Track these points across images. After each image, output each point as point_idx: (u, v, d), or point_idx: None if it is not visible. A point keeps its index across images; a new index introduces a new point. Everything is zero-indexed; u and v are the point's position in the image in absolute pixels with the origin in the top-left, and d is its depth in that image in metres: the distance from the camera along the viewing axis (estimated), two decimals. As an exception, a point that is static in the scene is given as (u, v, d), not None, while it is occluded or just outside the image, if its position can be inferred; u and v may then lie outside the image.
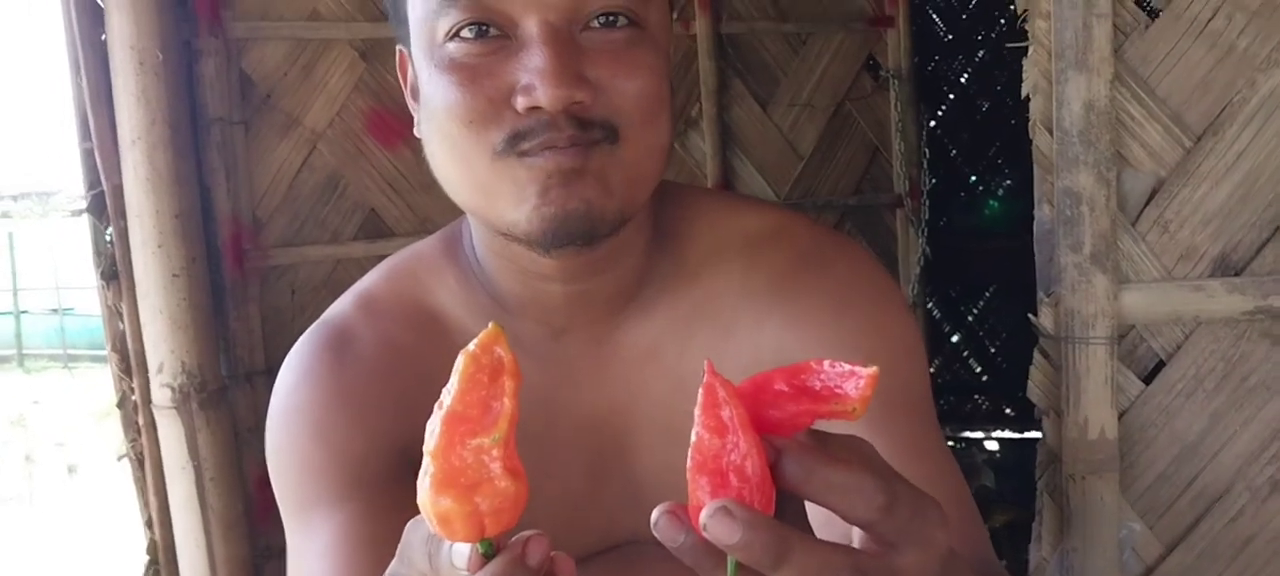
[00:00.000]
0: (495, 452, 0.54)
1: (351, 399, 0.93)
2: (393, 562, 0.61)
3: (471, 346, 0.54)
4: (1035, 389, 1.21)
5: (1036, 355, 1.21)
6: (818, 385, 0.53)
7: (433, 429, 0.54)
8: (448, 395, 0.54)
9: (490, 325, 0.55)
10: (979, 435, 3.60)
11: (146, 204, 1.54)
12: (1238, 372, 1.18)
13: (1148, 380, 1.20)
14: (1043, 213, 1.19)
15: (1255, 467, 1.19)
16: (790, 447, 0.52)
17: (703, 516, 0.50)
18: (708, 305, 0.96)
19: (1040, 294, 1.21)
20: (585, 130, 0.78)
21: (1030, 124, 1.19)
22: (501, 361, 0.55)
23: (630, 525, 1.00)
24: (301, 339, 0.97)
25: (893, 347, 0.97)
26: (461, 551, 0.55)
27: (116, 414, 1.66)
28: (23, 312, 9.08)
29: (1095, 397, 1.18)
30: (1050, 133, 1.18)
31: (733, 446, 0.51)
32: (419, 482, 0.54)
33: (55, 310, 8.95)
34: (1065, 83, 1.16)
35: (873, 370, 0.52)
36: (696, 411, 0.52)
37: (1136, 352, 1.20)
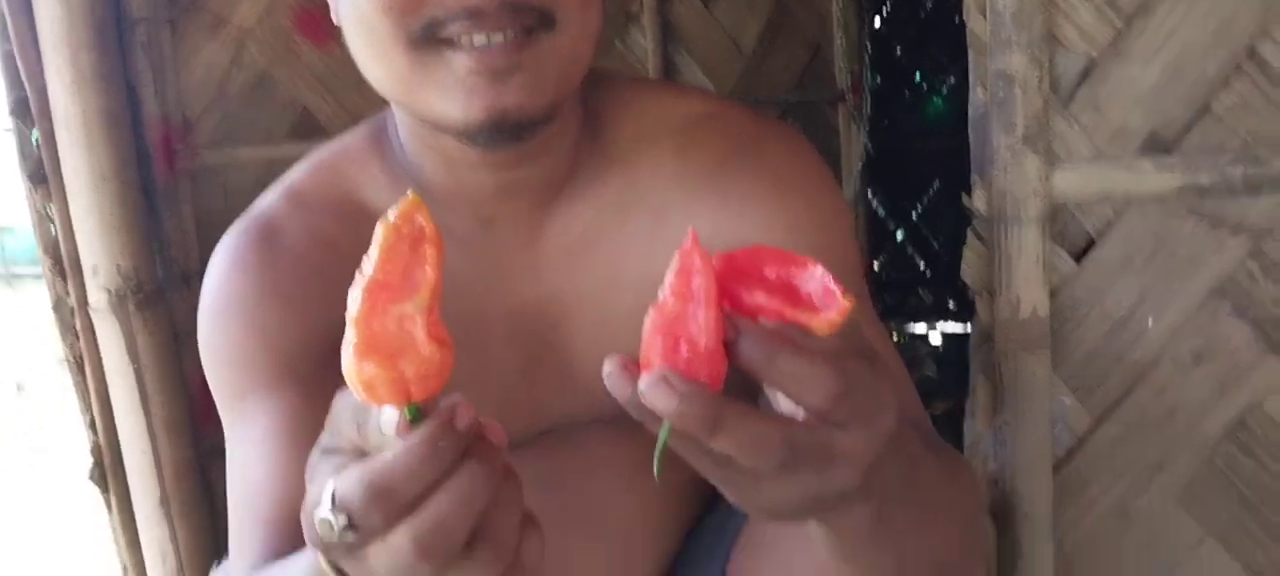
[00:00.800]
0: (418, 319, 0.54)
1: (281, 290, 0.93)
2: (322, 435, 0.61)
3: (391, 215, 0.54)
4: (969, 270, 1.23)
5: (970, 236, 1.23)
6: (804, 291, 0.54)
7: (354, 297, 0.54)
8: (368, 264, 0.54)
9: (409, 194, 0.55)
10: (922, 328, 3.65)
11: (73, 106, 1.50)
12: (1165, 249, 1.20)
13: (1079, 258, 1.22)
14: (976, 96, 1.20)
15: (1180, 340, 1.22)
16: (751, 331, 0.53)
17: (641, 385, 0.51)
18: (640, 192, 0.96)
19: (974, 176, 1.22)
20: (518, 14, 0.77)
21: (964, 6, 1.19)
22: (422, 230, 0.55)
23: (564, 409, 1.01)
24: (228, 233, 0.97)
25: (829, 230, 0.98)
26: (389, 417, 0.55)
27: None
28: (-42, 232, 8.88)
29: (1027, 276, 1.19)
30: (984, 15, 1.18)
31: (692, 316, 0.52)
32: (343, 351, 0.54)
33: (-5, 228, 8.76)
34: (999, -38, 1.16)
35: (847, 305, 0.53)
36: (669, 274, 0.53)
37: (1068, 232, 1.21)
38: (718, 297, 0.53)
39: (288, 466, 0.89)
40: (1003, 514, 1.26)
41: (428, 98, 0.80)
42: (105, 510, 1.67)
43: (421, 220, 0.55)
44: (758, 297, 0.54)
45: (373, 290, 0.54)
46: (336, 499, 0.54)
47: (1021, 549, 1.26)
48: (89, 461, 1.64)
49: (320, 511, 0.55)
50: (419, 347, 0.53)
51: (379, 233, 0.54)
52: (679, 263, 0.53)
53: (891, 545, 0.69)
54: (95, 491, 1.66)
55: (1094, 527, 1.28)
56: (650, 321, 0.54)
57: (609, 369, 0.53)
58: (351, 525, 0.54)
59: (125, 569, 1.68)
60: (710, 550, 1.13)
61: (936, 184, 3.76)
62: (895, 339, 3.53)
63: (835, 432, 0.54)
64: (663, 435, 0.53)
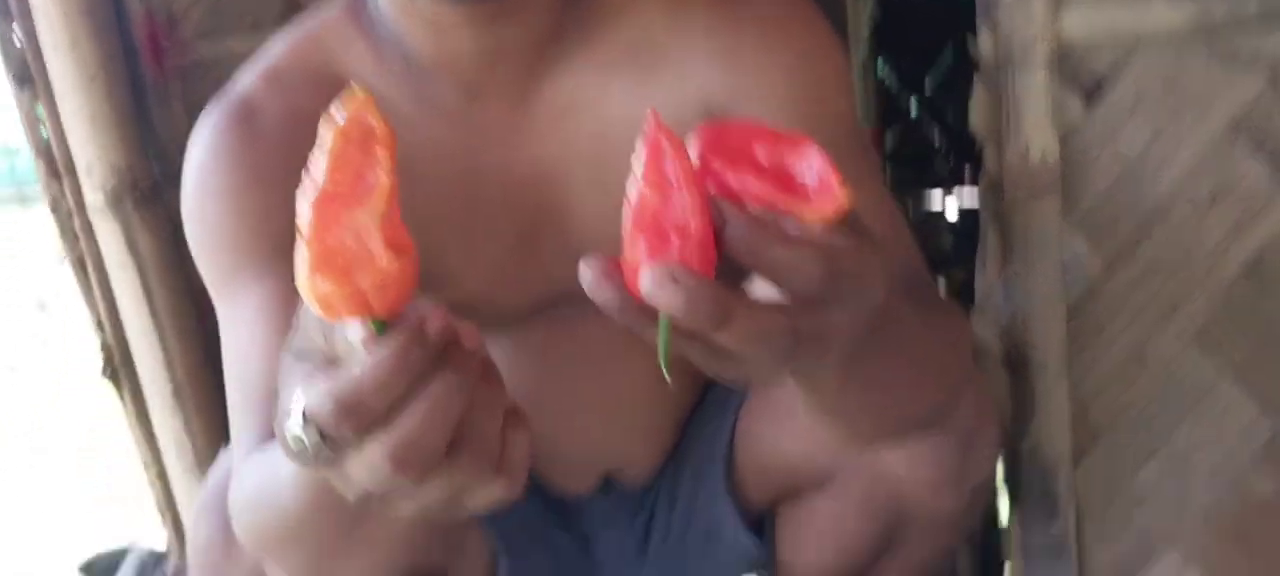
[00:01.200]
0: (373, 229, 0.50)
1: (262, 171, 0.92)
2: (292, 336, 0.59)
3: (337, 117, 0.50)
4: (975, 117, 1.20)
5: (976, 83, 1.19)
6: (798, 176, 0.51)
7: (303, 210, 0.50)
8: (316, 171, 0.50)
9: (355, 90, 0.51)
10: (937, 201, 3.61)
11: (52, 2, 1.47)
12: (1178, 88, 1.16)
13: (1089, 101, 1.18)
14: (979, -69, 1.15)
15: (1195, 181, 1.18)
16: (737, 218, 0.50)
17: (644, 280, 0.48)
18: (629, 50, 0.94)
19: (979, 19, 1.18)
20: None
21: None
22: (372, 130, 0.51)
23: (567, 279, 0.99)
24: (204, 116, 0.95)
25: (823, 80, 0.95)
26: (356, 329, 0.52)
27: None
28: (-30, 155, 8.89)
29: (1036, 121, 1.16)
30: None
31: (676, 203, 0.48)
32: (296, 267, 0.51)
33: (4, 148, 8.75)
34: None
35: (844, 203, 0.50)
36: (636, 164, 0.49)
37: (1077, 74, 1.17)
38: (697, 179, 0.49)
39: (280, 345, 0.88)
40: (1016, 363, 1.25)
41: None
42: (121, 406, 1.68)
43: (371, 119, 0.51)
44: (747, 181, 0.51)
45: (323, 202, 0.50)
46: (307, 413, 0.52)
47: (1036, 397, 1.25)
48: (101, 362, 1.65)
49: (291, 426, 0.53)
50: (376, 260, 0.50)
51: (326, 137, 0.51)
52: (645, 149, 0.49)
53: (870, 396, 0.70)
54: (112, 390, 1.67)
55: (1109, 373, 1.26)
56: (628, 220, 0.50)
57: (587, 274, 0.51)
58: (324, 439, 0.52)
59: (145, 464, 1.70)
60: (718, 414, 1.13)
61: (950, 50, 3.67)
62: (909, 213, 3.49)
63: (828, 313, 0.52)
64: (663, 332, 0.50)
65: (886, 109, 3.64)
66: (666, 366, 0.52)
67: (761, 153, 0.51)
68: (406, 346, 0.51)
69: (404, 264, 0.51)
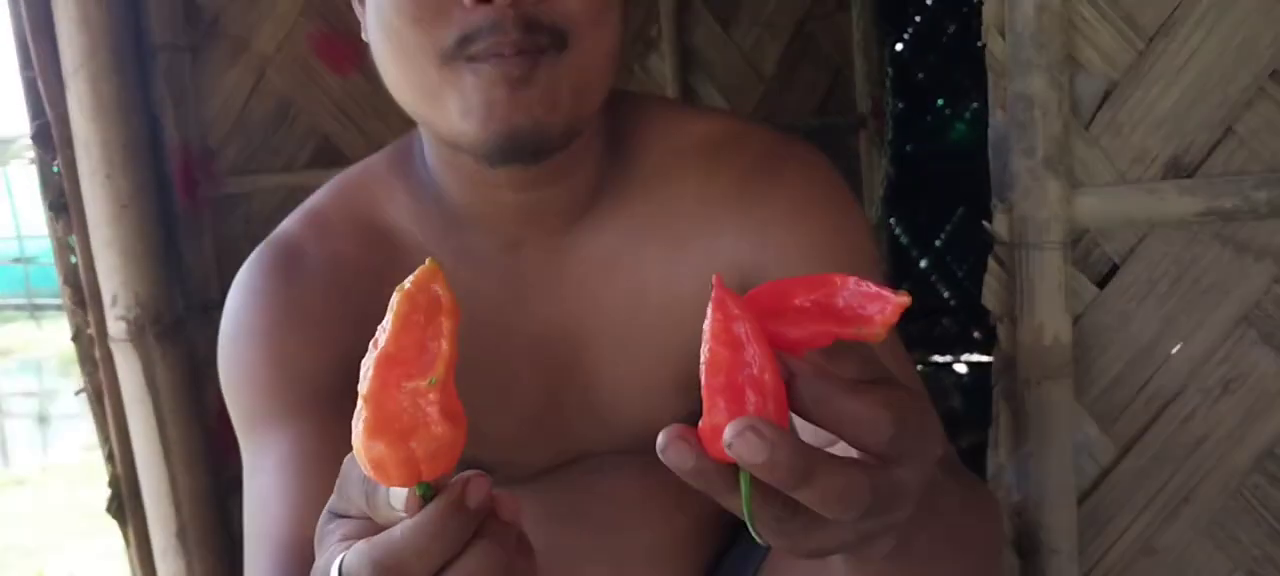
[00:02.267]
0: (432, 396, 0.52)
1: (300, 316, 0.93)
2: (332, 496, 0.60)
3: (407, 284, 0.52)
4: (990, 296, 1.21)
5: (991, 262, 1.21)
6: (841, 303, 0.51)
7: (366, 371, 0.52)
8: (382, 335, 0.52)
9: (428, 261, 0.53)
10: (948, 359, 3.62)
11: (93, 134, 1.51)
12: (1189, 275, 1.18)
13: (1102, 285, 1.20)
14: (996, 118, 1.19)
15: (1207, 369, 1.19)
16: (805, 372, 0.50)
17: (728, 434, 0.47)
18: (662, 215, 0.96)
19: (994, 200, 1.20)
20: (532, 34, 0.77)
21: (983, 28, 1.18)
22: (439, 300, 0.53)
23: (588, 437, 1.00)
24: (250, 258, 0.97)
25: (851, 251, 0.96)
26: (399, 493, 0.53)
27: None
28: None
29: (1049, 303, 1.18)
30: (1003, 36, 1.17)
31: (750, 360, 0.49)
32: (354, 426, 0.52)
33: (18, 259, 8.83)
34: (1017, -15, 1.15)
35: (903, 299, 0.50)
36: (707, 327, 0.50)
37: (1090, 257, 1.20)
38: (765, 336, 0.50)
39: (304, 495, 0.88)
40: (1026, 546, 1.24)
41: (449, 114, 0.80)
42: (123, 542, 1.66)
43: (438, 289, 0.53)
44: (805, 327, 0.51)
45: (385, 364, 0.52)
46: (344, 574, 0.53)
47: (1047, 583, 1.24)
48: (107, 493, 1.64)
49: None
50: (431, 426, 0.51)
51: (394, 302, 0.52)
52: (714, 312, 0.50)
53: (912, 571, 0.68)
54: (113, 524, 1.66)
55: (1119, 562, 1.25)
56: (704, 382, 0.50)
57: (664, 442, 0.49)
58: None
59: (142, 603, 1.68)
60: (736, 579, 1.12)
61: (960, 210, 3.74)
62: (920, 369, 3.49)
63: (896, 469, 0.52)
64: (745, 489, 0.50)
65: (898, 265, 3.67)
66: (753, 524, 0.51)
67: (801, 299, 0.52)
68: (448, 514, 0.51)
69: (457, 432, 0.52)
